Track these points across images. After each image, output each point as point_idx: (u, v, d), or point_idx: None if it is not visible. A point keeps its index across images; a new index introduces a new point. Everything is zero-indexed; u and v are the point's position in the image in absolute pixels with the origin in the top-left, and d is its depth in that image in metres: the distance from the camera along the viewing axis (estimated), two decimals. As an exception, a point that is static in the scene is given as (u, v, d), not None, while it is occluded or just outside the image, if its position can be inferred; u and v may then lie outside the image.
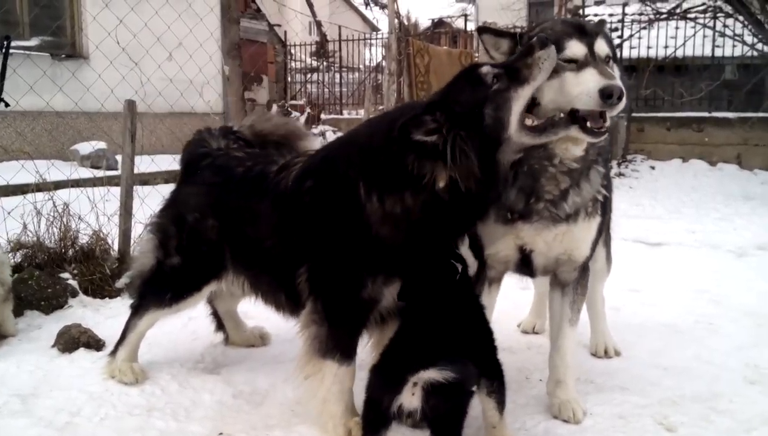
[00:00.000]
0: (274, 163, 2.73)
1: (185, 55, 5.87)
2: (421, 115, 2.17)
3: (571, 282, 2.77)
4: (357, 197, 2.28)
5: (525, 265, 2.73)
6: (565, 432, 2.51)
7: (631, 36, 12.71)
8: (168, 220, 3.01)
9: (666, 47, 12.58)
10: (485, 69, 2.24)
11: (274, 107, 14.00)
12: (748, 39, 10.63)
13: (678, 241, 6.29)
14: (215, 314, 3.50)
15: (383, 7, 20.37)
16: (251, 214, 2.70)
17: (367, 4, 16.85)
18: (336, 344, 2.43)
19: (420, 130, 2.14)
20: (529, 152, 2.41)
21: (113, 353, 3.07)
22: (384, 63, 7.95)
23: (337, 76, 17.09)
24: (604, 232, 2.92)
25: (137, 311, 3.06)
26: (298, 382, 2.55)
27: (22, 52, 8.52)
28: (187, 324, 3.72)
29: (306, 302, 2.50)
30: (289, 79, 17.25)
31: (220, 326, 3.51)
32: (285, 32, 16.97)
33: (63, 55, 9.46)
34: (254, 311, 3.52)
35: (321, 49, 19.04)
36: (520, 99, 2.22)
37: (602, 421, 2.65)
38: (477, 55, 7.74)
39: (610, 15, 14.37)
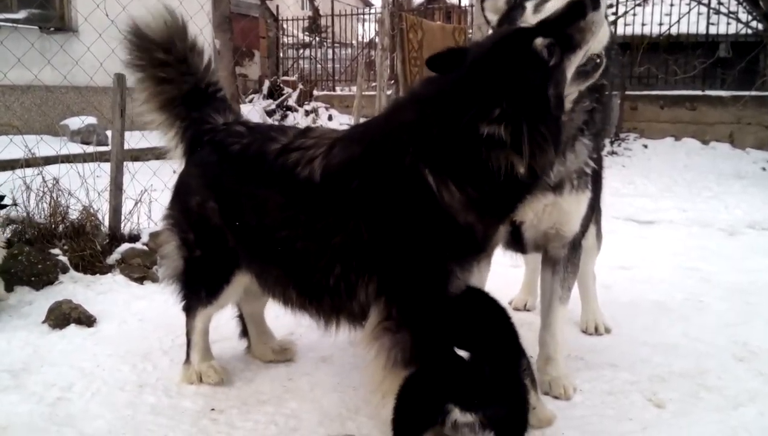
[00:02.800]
0: (272, 140, 2.54)
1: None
2: (487, 107, 1.98)
3: (561, 259, 2.77)
4: (429, 189, 2.11)
5: (516, 240, 2.75)
6: (555, 408, 2.53)
7: (625, 13, 12.61)
8: (178, 211, 2.79)
9: (660, 24, 12.51)
10: (539, 42, 2.04)
11: (266, 83, 13.88)
12: (743, 17, 10.58)
13: (669, 219, 6.31)
14: (241, 317, 3.15)
15: (377, -19, 20.11)
16: (251, 199, 2.53)
17: (359, -22, 16.61)
18: (422, 350, 2.19)
19: (490, 124, 1.97)
20: None
21: (187, 360, 2.85)
22: (377, 39, 7.88)
23: (330, 51, 16.93)
24: (594, 209, 2.90)
25: (189, 312, 2.85)
26: (373, 402, 2.35)
27: (9, 24, 8.41)
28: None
29: (373, 308, 2.27)
30: (281, 54, 17.09)
31: (244, 331, 3.15)
32: (277, 6, 16.80)
33: (51, 28, 9.32)
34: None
35: (314, 24, 18.84)
36: (572, 67, 2.14)
37: (592, 397, 2.68)
38: (471, 31, 7.67)
39: (605, -8, 14.22)
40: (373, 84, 9.31)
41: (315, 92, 14.46)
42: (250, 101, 13.43)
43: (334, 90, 15.84)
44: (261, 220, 2.50)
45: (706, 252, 5.00)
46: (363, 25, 18.21)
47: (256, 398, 2.66)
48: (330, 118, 13.07)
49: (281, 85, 14.00)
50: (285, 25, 17.50)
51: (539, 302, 2.97)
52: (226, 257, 2.68)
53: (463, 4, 16.41)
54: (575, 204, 2.61)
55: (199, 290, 2.78)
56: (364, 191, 2.20)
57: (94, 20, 5.91)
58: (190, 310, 2.84)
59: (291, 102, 13.32)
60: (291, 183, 2.38)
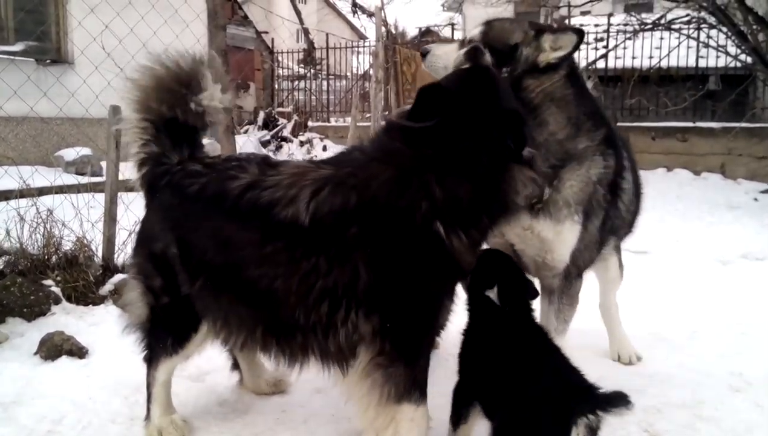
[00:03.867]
0: (232, 178, 2.43)
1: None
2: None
3: (556, 290, 2.71)
4: (439, 238, 2.17)
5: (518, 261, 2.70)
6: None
7: (616, 46, 12.84)
8: (142, 257, 2.65)
9: (651, 57, 12.71)
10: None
11: (261, 114, 13.97)
12: (732, 50, 10.76)
13: (663, 249, 6.33)
14: (231, 351, 3.06)
15: (371, 15, 20.46)
16: (217, 239, 2.42)
17: (354, 12, 16.88)
18: (413, 382, 2.24)
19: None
20: None
21: (147, 415, 2.67)
22: (371, 71, 7.97)
23: (325, 83, 17.09)
24: (600, 243, 2.77)
25: (151, 363, 2.68)
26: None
27: (6, 57, 8.48)
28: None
29: (364, 345, 2.25)
30: (276, 86, 17.24)
31: (235, 365, 3.09)
32: (272, 39, 16.98)
33: (48, 60, 9.40)
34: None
35: (308, 57, 19.04)
36: None
37: (587, 428, 2.66)
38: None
39: (596, 25, 14.52)
40: (368, 115, 9.39)
41: (310, 123, 14.55)
42: (245, 132, 13.51)
43: (328, 121, 15.95)
44: (229, 258, 2.39)
45: (699, 282, 5.01)
46: (357, 57, 18.43)
47: (249, 430, 2.64)
48: (325, 148, 13.14)
49: (276, 116, 14.09)
50: (280, 58, 17.69)
51: None
52: (189, 305, 2.54)
53: (455, 38, 16.64)
54: (554, 233, 2.55)
55: (165, 339, 2.62)
56: (364, 238, 2.19)
57: (91, 53, 5.97)
58: (152, 360, 2.67)
59: (286, 133, 13.40)
60: (268, 222, 2.29)
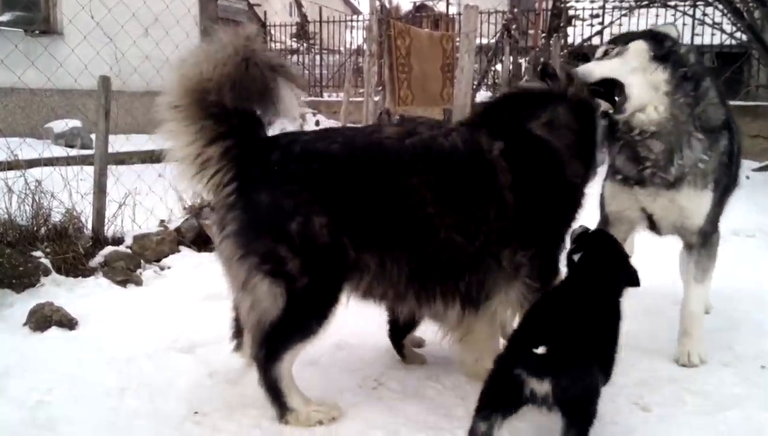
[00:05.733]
0: (375, 132, 2.69)
1: (161, 31, 5.75)
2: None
3: (695, 245, 3.06)
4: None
5: (652, 226, 3.16)
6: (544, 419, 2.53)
7: (611, 23, 12.76)
8: (269, 243, 2.38)
9: (646, 35, 12.63)
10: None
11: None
12: (727, 28, 10.71)
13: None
14: (237, 320, 2.84)
15: (365, -12, 20.17)
16: (381, 189, 2.44)
17: (347, -15, 16.65)
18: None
19: None
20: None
21: (285, 410, 2.47)
22: (365, 45, 7.90)
23: (318, 58, 16.92)
24: (722, 204, 3.16)
25: (275, 357, 2.46)
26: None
27: (-7, 26, 8.35)
28: (162, 304, 3.69)
29: (520, 275, 2.63)
30: (270, 60, 17.04)
31: (238, 333, 2.88)
32: (265, 12, 16.78)
33: (36, 31, 9.25)
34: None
35: (301, 31, 18.84)
36: None
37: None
38: (458, 38, 7.70)
39: (592, 2, 14.41)
40: (361, 90, 9.32)
41: (302, 98, 14.42)
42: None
43: (321, 96, 15.83)
44: (396, 206, 2.47)
45: (691, 258, 5.01)
46: (351, 32, 18.25)
47: (240, 402, 2.63)
48: (317, 123, 13.05)
49: (268, 91, 13.93)
50: (272, 31, 17.49)
51: None
52: (335, 275, 2.47)
53: (450, 13, 16.50)
54: (693, 200, 2.92)
55: (303, 323, 2.46)
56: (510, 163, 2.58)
57: (79, 22, 5.87)
58: (278, 352, 2.45)
59: (278, 107, 13.27)
60: (433, 161, 2.52)
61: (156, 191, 5.05)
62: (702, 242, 3.04)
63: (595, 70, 2.88)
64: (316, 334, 2.51)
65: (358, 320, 3.48)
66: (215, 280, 4.01)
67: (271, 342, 2.44)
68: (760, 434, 2.47)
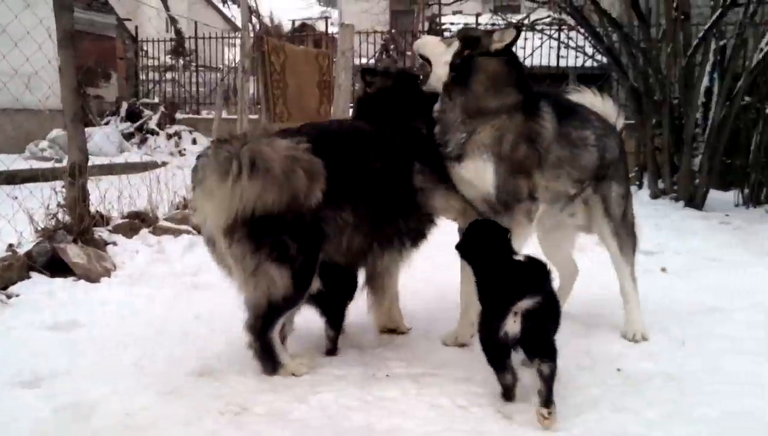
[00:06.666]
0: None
1: (9, 43, 5.33)
2: None
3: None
4: None
5: None
6: (405, 431, 2.50)
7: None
8: (276, 234, 2.90)
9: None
10: None
11: (124, 105, 13.23)
12: (589, 51, 11.42)
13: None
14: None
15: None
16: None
17: (224, 2, 16.34)
18: None
19: None
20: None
21: (275, 367, 3.01)
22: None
23: (195, 75, 16.46)
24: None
25: (268, 326, 2.98)
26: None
27: None
28: (4, 335, 3.38)
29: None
30: (141, 76, 16.40)
31: None
32: (136, 27, 16.13)
33: None
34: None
35: (178, 47, 18.29)
36: None
37: (444, 412, 2.69)
38: (336, 57, 7.73)
39: (465, 24, 14.97)
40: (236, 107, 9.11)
41: (178, 115, 13.96)
42: (106, 124, 12.73)
43: (198, 113, 15.39)
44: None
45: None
46: (231, 49, 17.92)
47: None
48: (194, 141, 12.66)
49: (141, 107, 13.38)
50: (145, 47, 16.84)
51: None
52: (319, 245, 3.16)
53: (331, 32, 16.60)
54: (473, 172, 3.23)
55: (295, 294, 3.04)
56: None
57: None
58: (270, 323, 3.00)
59: (152, 125, 12.77)
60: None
61: (4, 213, 4.66)
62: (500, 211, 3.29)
63: (427, 44, 3.50)
64: (305, 297, 3.07)
65: (221, 344, 3.36)
66: (67, 307, 3.76)
67: (266, 314, 2.96)
68: (614, 435, 2.56)
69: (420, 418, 2.63)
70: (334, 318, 3.32)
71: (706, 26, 7.96)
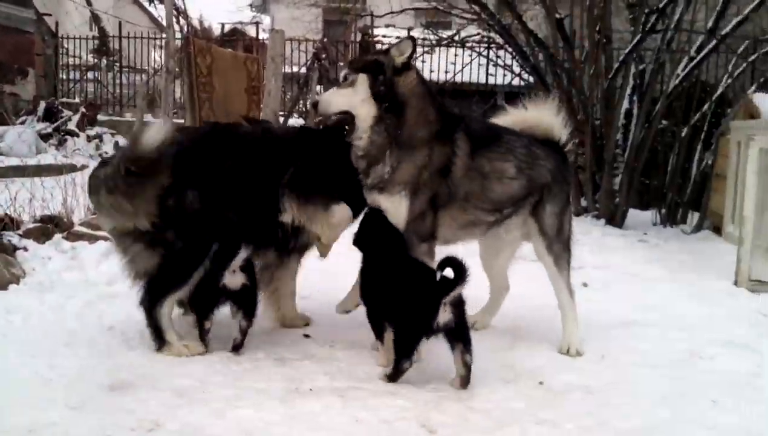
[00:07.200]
0: None
1: None
2: None
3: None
4: None
5: None
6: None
7: (415, 59, 13.40)
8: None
9: (447, 72, 13.48)
10: None
11: (42, 104, 12.62)
12: (517, 69, 11.70)
13: (451, 253, 6.60)
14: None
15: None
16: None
17: (150, 1, 15.88)
18: None
19: None
20: None
21: (161, 345, 3.27)
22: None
23: (119, 75, 15.91)
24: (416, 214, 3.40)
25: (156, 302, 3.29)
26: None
27: None
28: None
29: None
30: (61, 75, 15.72)
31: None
32: (56, 23, 15.47)
33: None
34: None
35: (103, 46, 17.66)
36: None
37: (367, 427, 2.63)
38: (265, 64, 7.62)
39: (397, 37, 15.01)
40: (158, 108, 8.84)
41: (100, 117, 13.43)
42: (22, 123, 12.10)
43: (122, 116, 14.87)
44: None
45: (479, 282, 5.25)
46: (157, 50, 17.44)
47: None
48: (116, 144, 12.19)
49: (60, 107, 12.80)
50: (66, 44, 16.16)
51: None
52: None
53: (262, 38, 16.42)
54: (390, 204, 3.31)
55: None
56: None
57: None
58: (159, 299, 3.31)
59: (71, 126, 12.23)
60: None
61: None
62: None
63: (332, 101, 3.33)
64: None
65: (134, 356, 3.22)
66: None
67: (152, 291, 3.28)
68: (534, 447, 2.58)
69: (343, 433, 2.58)
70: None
71: (627, 50, 8.27)
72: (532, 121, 3.78)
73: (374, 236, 3.28)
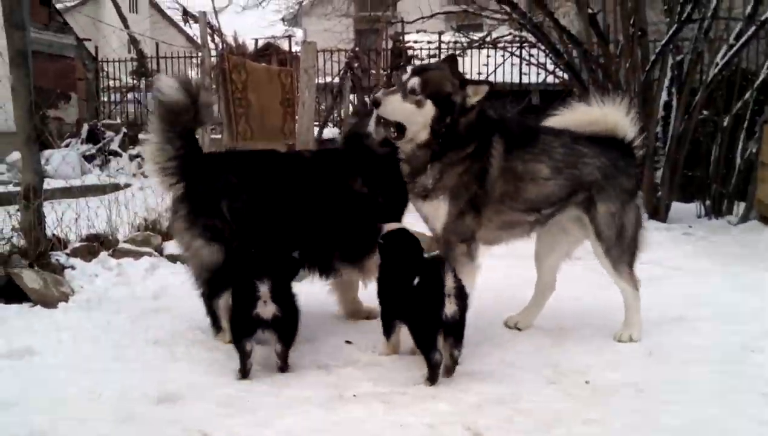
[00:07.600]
0: None
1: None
2: None
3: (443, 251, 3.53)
4: None
5: None
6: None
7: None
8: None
9: (479, 73, 13.41)
10: None
11: (85, 126, 12.99)
12: (551, 67, 11.57)
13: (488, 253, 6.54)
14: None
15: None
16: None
17: (186, 21, 16.23)
18: None
19: None
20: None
21: (219, 330, 3.62)
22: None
23: (158, 95, 16.24)
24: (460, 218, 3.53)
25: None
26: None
27: None
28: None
29: None
30: (102, 97, 16.16)
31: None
32: (96, 48, 15.91)
33: None
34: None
35: (141, 67, 18.09)
36: None
37: (412, 432, 2.62)
38: (298, 77, 7.69)
39: (429, 42, 15.11)
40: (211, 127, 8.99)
41: (141, 136, 13.74)
42: (67, 145, 12.47)
43: (162, 134, 15.15)
44: None
45: (522, 281, 5.19)
46: (195, 68, 17.78)
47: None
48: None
49: (103, 129, 13.15)
50: (106, 67, 16.62)
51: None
52: None
53: (294, 50, 16.60)
54: (431, 209, 3.50)
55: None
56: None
57: None
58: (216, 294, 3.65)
59: (114, 146, 12.56)
60: None
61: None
62: (445, 249, 3.54)
63: (392, 111, 3.38)
64: None
65: (180, 369, 3.27)
66: (21, 334, 3.62)
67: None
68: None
69: (387, 438, 2.57)
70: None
71: (663, 42, 8.11)
72: (591, 119, 3.73)
73: (394, 247, 3.40)
